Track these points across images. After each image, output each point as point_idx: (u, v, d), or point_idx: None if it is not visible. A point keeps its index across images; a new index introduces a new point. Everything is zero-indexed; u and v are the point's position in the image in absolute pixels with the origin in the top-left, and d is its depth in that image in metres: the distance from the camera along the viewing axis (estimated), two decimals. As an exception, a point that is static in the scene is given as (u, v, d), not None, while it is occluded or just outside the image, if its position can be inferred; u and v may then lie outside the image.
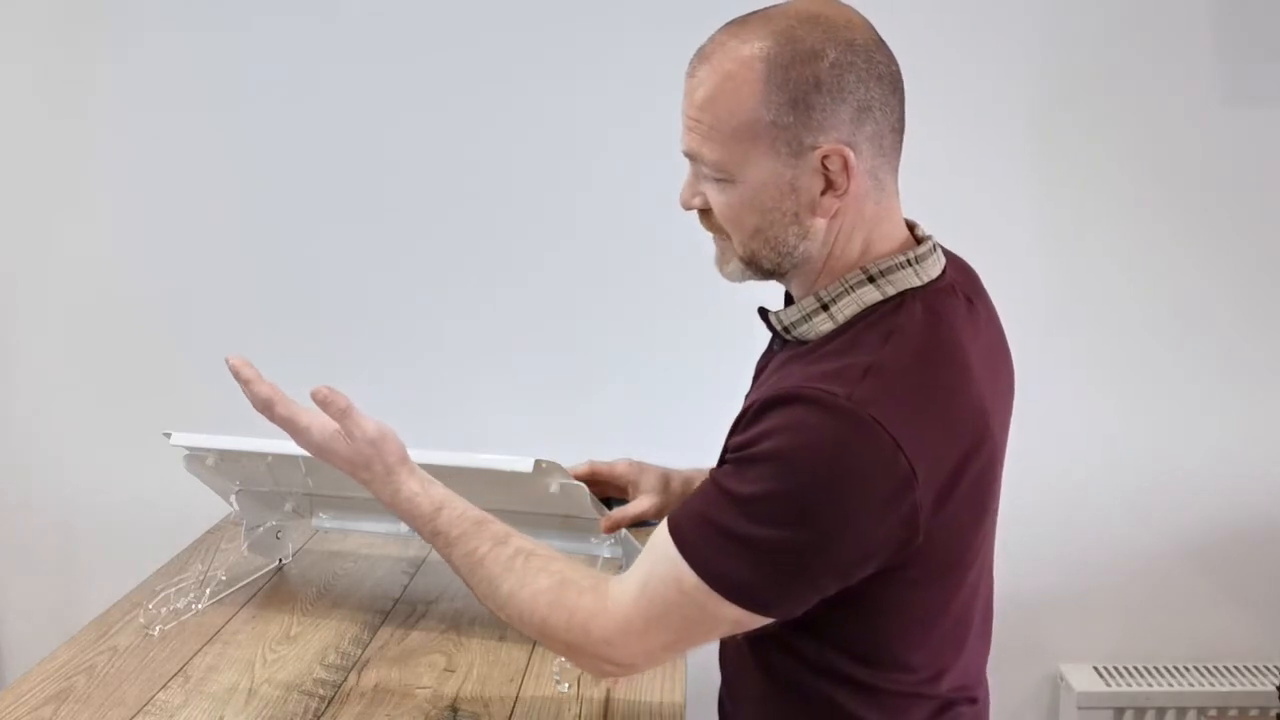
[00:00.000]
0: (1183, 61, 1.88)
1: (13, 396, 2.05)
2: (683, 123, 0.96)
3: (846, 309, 0.96)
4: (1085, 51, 1.89)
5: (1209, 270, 1.95)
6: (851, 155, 0.91)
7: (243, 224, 1.98)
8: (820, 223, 0.94)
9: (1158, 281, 1.95)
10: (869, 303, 0.95)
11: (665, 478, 1.28)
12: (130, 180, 1.98)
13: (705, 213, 0.99)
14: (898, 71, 0.94)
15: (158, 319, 2.01)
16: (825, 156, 0.91)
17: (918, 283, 0.96)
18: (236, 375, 1.02)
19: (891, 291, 0.95)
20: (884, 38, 0.94)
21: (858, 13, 0.94)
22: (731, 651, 1.10)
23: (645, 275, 1.95)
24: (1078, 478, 2.00)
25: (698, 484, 0.99)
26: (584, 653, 0.98)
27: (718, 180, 0.95)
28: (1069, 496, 2.00)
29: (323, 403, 1.01)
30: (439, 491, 1.05)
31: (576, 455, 1.31)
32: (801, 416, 0.88)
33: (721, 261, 1.01)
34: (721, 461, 0.96)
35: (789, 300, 1.05)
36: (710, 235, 1.02)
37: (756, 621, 0.93)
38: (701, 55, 0.94)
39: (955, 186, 1.87)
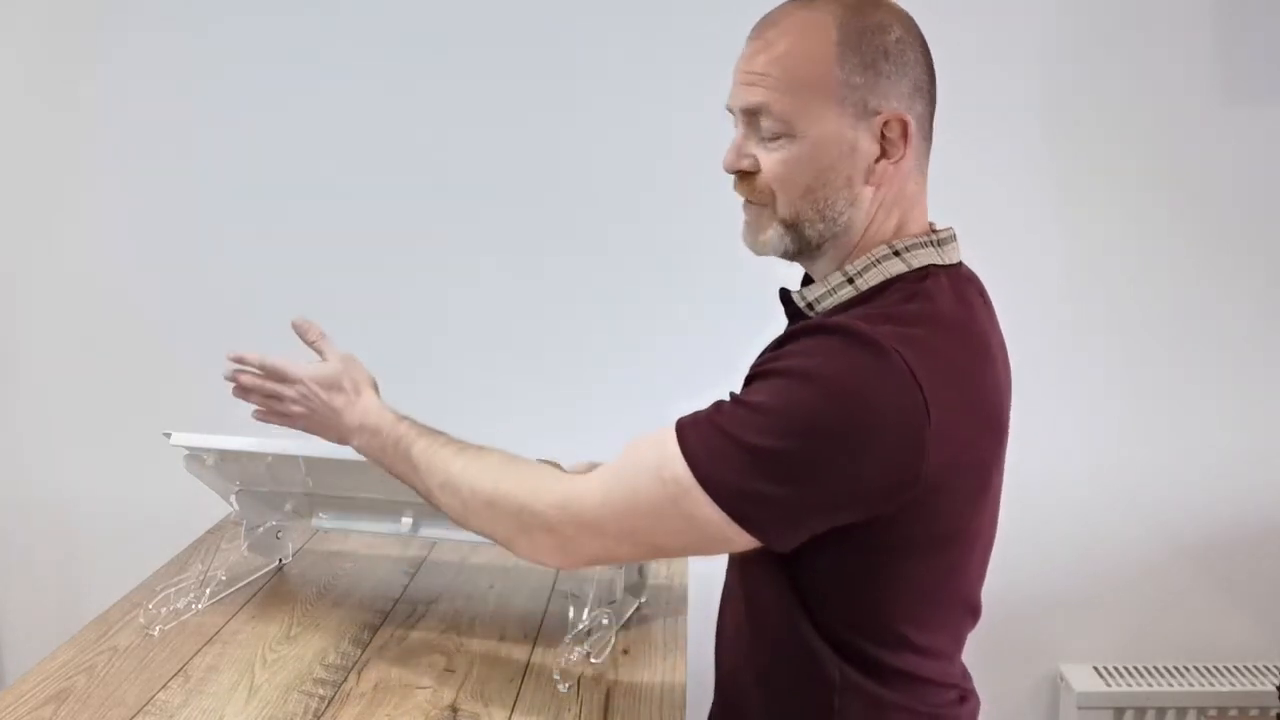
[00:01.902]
0: (1183, 61, 1.88)
1: (13, 397, 2.05)
2: (738, 80, 0.97)
3: (872, 279, 0.97)
4: (1085, 51, 1.89)
5: (1209, 270, 1.95)
6: (912, 123, 0.95)
7: (244, 223, 1.98)
8: (869, 192, 0.96)
9: (1158, 281, 1.95)
10: (894, 273, 0.97)
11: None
12: (130, 180, 1.98)
13: (747, 177, 0.98)
14: (934, 67, 0.99)
15: (158, 319, 2.01)
16: (886, 123, 0.94)
17: (941, 261, 0.98)
18: (240, 363, 1.16)
19: (916, 264, 0.97)
20: None
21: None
22: (732, 640, 1.10)
23: (648, 278, 1.96)
24: (1078, 478, 2.00)
25: None
26: (529, 523, 0.99)
27: (776, 136, 0.95)
28: (1069, 497, 2.00)
29: (299, 329, 1.17)
30: (402, 413, 1.14)
31: (576, 456, 1.31)
32: (827, 342, 0.90)
33: (755, 230, 1.00)
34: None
35: (805, 282, 1.06)
36: (735, 219, 1.02)
37: (722, 536, 0.92)
38: (770, 20, 0.96)
39: (952, 186, 1.87)
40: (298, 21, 1.91)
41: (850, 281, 0.98)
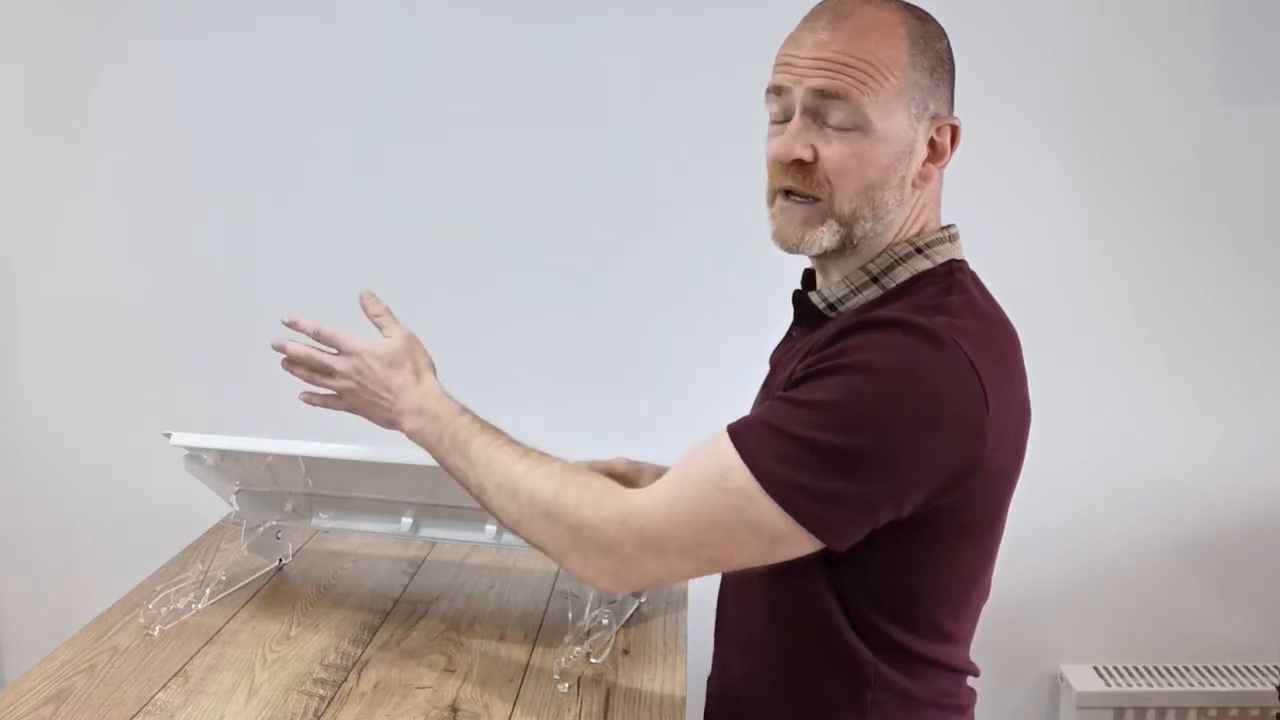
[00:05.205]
0: (1183, 61, 1.88)
1: (13, 397, 2.05)
2: (803, 65, 0.94)
3: (899, 276, 0.97)
4: (1084, 52, 1.89)
5: (1208, 271, 1.95)
6: (960, 127, 0.97)
7: (244, 224, 1.98)
8: (914, 193, 0.97)
9: (1156, 282, 1.95)
10: (920, 269, 0.97)
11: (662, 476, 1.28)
12: (131, 180, 1.98)
13: (804, 168, 0.95)
14: None
15: (157, 319, 2.01)
16: (939, 127, 0.96)
17: (960, 256, 1.00)
18: (293, 327, 1.09)
19: (940, 260, 0.98)
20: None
21: None
22: (747, 641, 1.08)
23: (653, 281, 1.95)
24: (1078, 478, 2.00)
25: None
26: (586, 541, 0.94)
27: (846, 128, 0.93)
28: (1069, 497, 2.00)
29: (364, 301, 1.13)
30: (463, 404, 1.09)
31: (574, 456, 1.31)
32: (885, 336, 0.89)
33: (803, 226, 0.96)
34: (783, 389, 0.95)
35: (807, 288, 1.06)
36: (766, 214, 1.01)
37: (787, 543, 0.89)
38: (838, 11, 0.95)
39: (953, 187, 1.87)
40: (300, 20, 1.91)
41: (875, 280, 0.98)
